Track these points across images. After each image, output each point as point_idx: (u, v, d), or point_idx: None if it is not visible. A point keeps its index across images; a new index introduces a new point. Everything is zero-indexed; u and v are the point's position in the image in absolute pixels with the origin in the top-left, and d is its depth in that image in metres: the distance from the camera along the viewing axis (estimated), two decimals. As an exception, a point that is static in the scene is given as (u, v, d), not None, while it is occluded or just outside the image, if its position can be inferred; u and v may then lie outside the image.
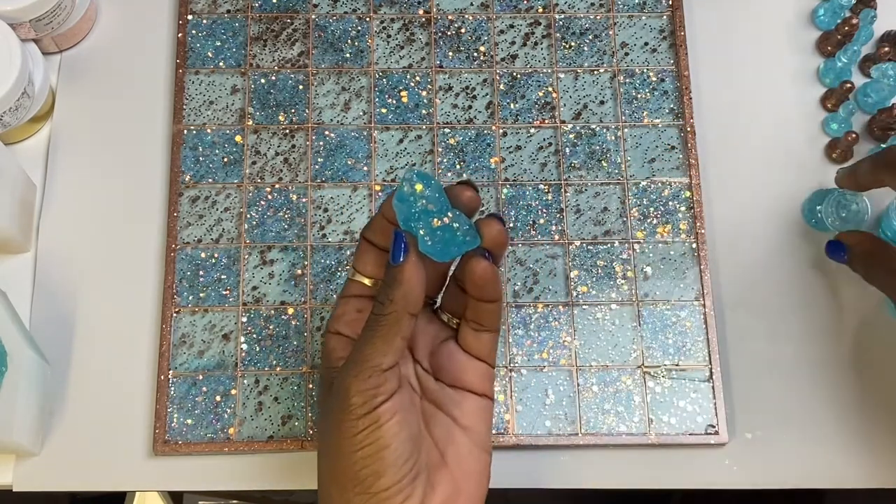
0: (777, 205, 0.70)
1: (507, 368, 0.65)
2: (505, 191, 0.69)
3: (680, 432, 0.64)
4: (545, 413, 0.64)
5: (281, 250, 0.67)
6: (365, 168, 0.69)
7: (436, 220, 0.47)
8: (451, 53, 0.72)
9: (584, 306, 0.66)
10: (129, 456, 0.64)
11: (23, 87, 0.64)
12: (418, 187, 0.47)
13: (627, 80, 0.71)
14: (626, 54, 0.72)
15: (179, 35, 0.71)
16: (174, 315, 0.65)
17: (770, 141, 0.71)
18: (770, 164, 0.71)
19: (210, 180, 0.68)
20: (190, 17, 0.72)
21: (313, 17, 0.72)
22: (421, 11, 0.73)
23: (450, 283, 0.54)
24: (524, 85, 0.71)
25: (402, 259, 0.47)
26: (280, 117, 0.70)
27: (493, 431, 0.64)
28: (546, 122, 0.70)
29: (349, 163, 0.69)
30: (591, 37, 0.72)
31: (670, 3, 0.73)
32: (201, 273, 0.66)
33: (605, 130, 0.70)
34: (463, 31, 0.72)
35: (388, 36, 0.72)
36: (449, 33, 0.72)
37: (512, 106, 0.71)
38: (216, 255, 0.67)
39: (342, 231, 0.68)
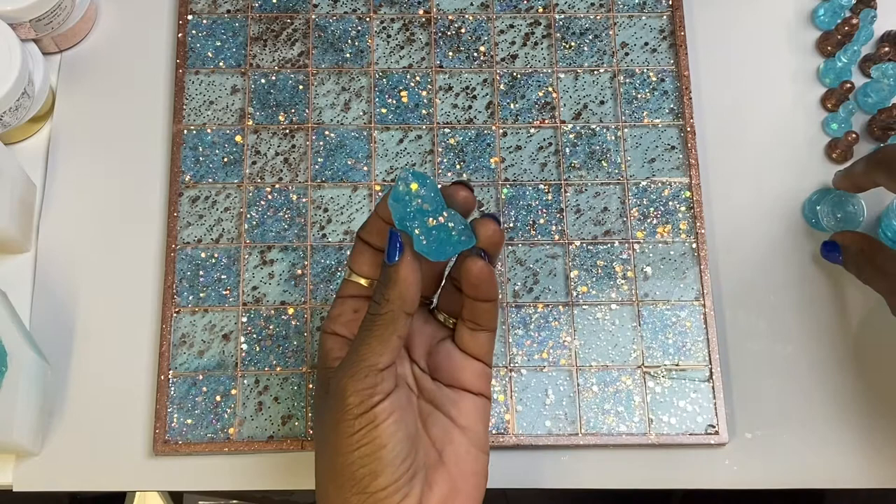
0: (777, 205, 0.70)
1: (507, 368, 0.65)
2: (505, 191, 0.69)
3: (680, 432, 0.64)
4: (545, 413, 0.64)
5: (281, 250, 0.67)
6: (365, 168, 0.69)
7: (431, 219, 0.47)
8: (451, 53, 0.72)
9: (584, 306, 0.66)
10: (129, 456, 0.64)
11: (23, 87, 0.64)
12: (413, 187, 0.47)
13: (627, 80, 0.71)
14: (626, 54, 0.72)
15: (179, 35, 0.71)
16: (174, 315, 0.65)
17: (770, 141, 0.71)
18: (770, 165, 0.71)
19: (210, 180, 0.68)
20: (190, 17, 0.72)
21: (313, 17, 0.72)
22: (421, 11, 0.73)
23: (446, 283, 0.54)
24: (524, 85, 0.71)
25: (397, 258, 0.47)
26: (280, 117, 0.70)
27: (493, 431, 0.64)
28: (546, 122, 0.70)
29: (349, 163, 0.69)
30: (591, 37, 0.72)
31: (670, 3, 0.73)
32: (201, 273, 0.66)
33: (605, 130, 0.70)
34: (463, 31, 0.72)
35: (388, 36, 0.72)
36: (449, 33, 0.72)
37: (512, 106, 0.71)
38: (216, 255, 0.67)
39: (342, 231, 0.68)
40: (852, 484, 0.64)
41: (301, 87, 0.71)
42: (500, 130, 0.70)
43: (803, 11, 0.75)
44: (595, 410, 0.64)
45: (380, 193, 0.68)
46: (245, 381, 0.65)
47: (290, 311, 0.66)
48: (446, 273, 0.54)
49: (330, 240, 0.67)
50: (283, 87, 0.71)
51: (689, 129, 0.70)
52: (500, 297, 0.53)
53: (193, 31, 0.72)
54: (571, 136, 0.70)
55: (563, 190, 0.69)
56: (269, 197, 0.68)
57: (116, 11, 0.73)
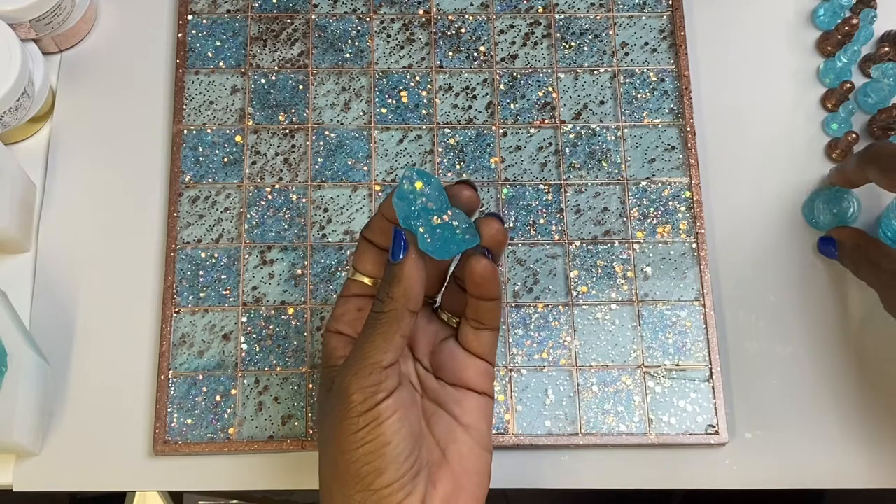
0: (777, 204, 0.70)
1: (507, 368, 0.65)
2: (505, 191, 0.69)
3: (680, 432, 0.64)
4: (545, 413, 0.64)
5: (281, 250, 0.67)
6: (365, 168, 0.69)
7: (435, 218, 0.47)
8: (451, 53, 0.72)
9: (584, 306, 0.66)
10: (129, 456, 0.64)
11: (23, 87, 0.64)
12: (418, 185, 0.47)
13: (627, 80, 0.71)
14: (626, 54, 0.72)
15: (179, 35, 0.71)
16: (174, 315, 0.65)
17: (770, 141, 0.71)
18: (770, 165, 0.71)
19: (210, 180, 0.68)
20: (190, 17, 0.72)
21: (313, 17, 0.72)
22: (421, 11, 0.73)
23: (449, 282, 0.54)
24: (524, 85, 0.71)
25: (401, 256, 0.47)
26: (280, 117, 0.70)
27: (494, 431, 0.64)
28: (546, 122, 0.70)
29: (349, 163, 0.69)
30: (591, 37, 0.72)
31: (670, 3, 0.73)
32: (201, 273, 0.66)
33: (605, 130, 0.70)
34: (463, 31, 0.72)
35: (388, 36, 0.72)
36: (449, 33, 0.72)
37: (512, 106, 0.71)
38: (216, 255, 0.67)
39: (342, 231, 0.68)
40: (852, 484, 0.65)
41: (301, 87, 0.71)
42: (500, 130, 0.70)
43: (803, 11, 0.75)
44: (595, 410, 0.64)
45: (380, 193, 0.68)
46: (245, 381, 0.65)
47: (290, 311, 0.66)
48: (450, 272, 0.54)
49: (330, 240, 0.67)
50: (283, 87, 0.71)
51: (689, 129, 0.70)
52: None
53: (193, 31, 0.72)
54: (571, 136, 0.70)
55: (563, 190, 0.69)
56: (269, 197, 0.68)
57: (116, 11, 0.73)
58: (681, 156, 0.70)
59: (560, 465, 0.64)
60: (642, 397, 0.65)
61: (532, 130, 0.70)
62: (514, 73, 0.71)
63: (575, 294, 0.67)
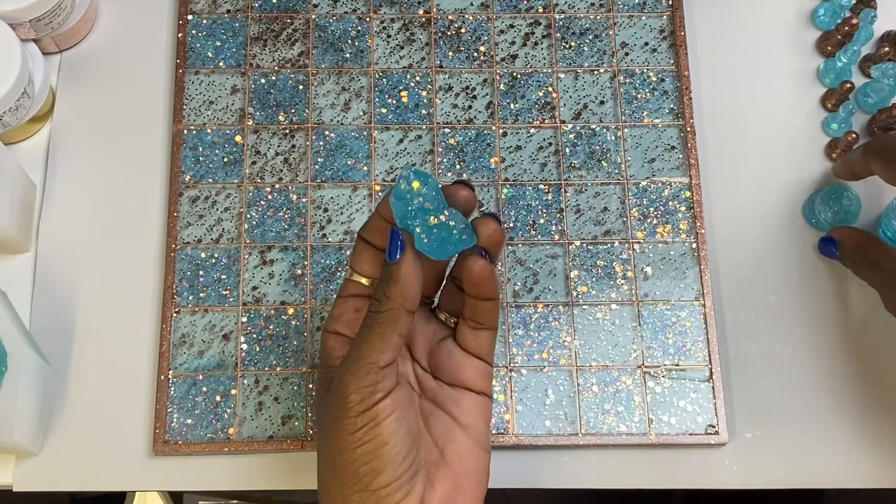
0: (777, 205, 0.70)
1: (507, 368, 0.65)
2: (505, 191, 0.69)
3: (680, 432, 0.64)
4: (545, 413, 0.64)
5: (281, 250, 0.67)
6: (365, 168, 0.69)
7: (432, 217, 0.47)
8: (451, 53, 0.72)
9: (584, 306, 0.66)
10: (129, 456, 0.64)
11: (23, 87, 0.64)
12: (415, 185, 0.47)
13: (627, 80, 0.71)
14: (626, 54, 0.72)
15: (179, 35, 0.71)
16: (174, 315, 0.65)
17: (770, 141, 0.71)
18: (770, 165, 0.71)
19: (210, 180, 0.68)
20: (190, 17, 0.72)
21: (313, 17, 0.72)
22: (421, 11, 0.73)
23: (447, 282, 0.54)
24: (524, 85, 0.71)
25: (398, 256, 0.47)
26: (280, 117, 0.70)
27: (493, 431, 0.64)
28: (546, 122, 0.70)
29: (349, 163, 0.69)
30: (591, 37, 0.72)
31: (670, 3, 0.73)
32: (201, 273, 0.66)
33: (605, 130, 0.70)
34: (463, 31, 0.72)
35: (388, 36, 0.72)
36: (449, 33, 0.72)
37: (512, 106, 0.71)
38: (216, 255, 0.67)
39: (342, 231, 0.68)
40: (852, 484, 0.64)
41: (301, 87, 0.71)
42: (500, 130, 0.70)
43: (803, 11, 0.75)
44: (595, 410, 0.64)
45: (380, 193, 0.68)
46: (245, 381, 0.65)
47: (290, 311, 0.66)
48: (447, 272, 0.54)
49: (330, 240, 0.67)
50: (283, 87, 0.71)
51: (689, 129, 0.70)
52: (500, 296, 0.54)
53: (193, 31, 0.72)
54: (571, 136, 0.70)
55: (563, 190, 0.69)
56: (269, 197, 0.68)
57: (116, 11, 0.73)
58: (681, 156, 0.70)
59: (560, 465, 0.64)
60: (642, 397, 0.65)
61: (532, 130, 0.70)
62: (514, 73, 0.71)
63: (575, 294, 0.67)
